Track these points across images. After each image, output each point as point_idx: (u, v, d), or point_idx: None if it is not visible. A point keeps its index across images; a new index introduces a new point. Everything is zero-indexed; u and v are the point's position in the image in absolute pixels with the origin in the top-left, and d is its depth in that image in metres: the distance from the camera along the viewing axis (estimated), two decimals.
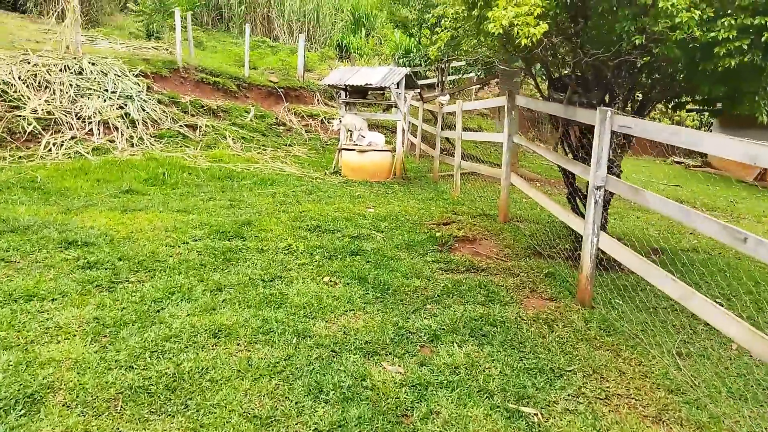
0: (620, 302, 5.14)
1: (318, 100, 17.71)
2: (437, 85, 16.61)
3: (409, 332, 4.32)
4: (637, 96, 6.02)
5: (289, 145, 14.51)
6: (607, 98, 5.85)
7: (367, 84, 10.98)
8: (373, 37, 25.03)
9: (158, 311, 4.47)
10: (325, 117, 16.58)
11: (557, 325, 4.62)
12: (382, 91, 12.05)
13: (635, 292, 5.36)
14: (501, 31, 4.66)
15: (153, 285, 4.97)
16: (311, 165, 12.75)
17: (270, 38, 25.71)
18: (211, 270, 5.46)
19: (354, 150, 11.30)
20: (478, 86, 17.12)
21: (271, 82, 17.16)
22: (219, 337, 4.06)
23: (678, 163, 20.29)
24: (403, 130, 11.73)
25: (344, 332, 4.25)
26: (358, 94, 11.91)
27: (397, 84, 11.01)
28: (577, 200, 6.41)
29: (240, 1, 25.99)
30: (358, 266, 5.73)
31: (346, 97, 12.04)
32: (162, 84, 14.34)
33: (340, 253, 6.15)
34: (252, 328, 4.22)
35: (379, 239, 6.81)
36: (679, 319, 4.93)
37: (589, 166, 4.99)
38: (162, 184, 9.34)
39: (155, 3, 18.54)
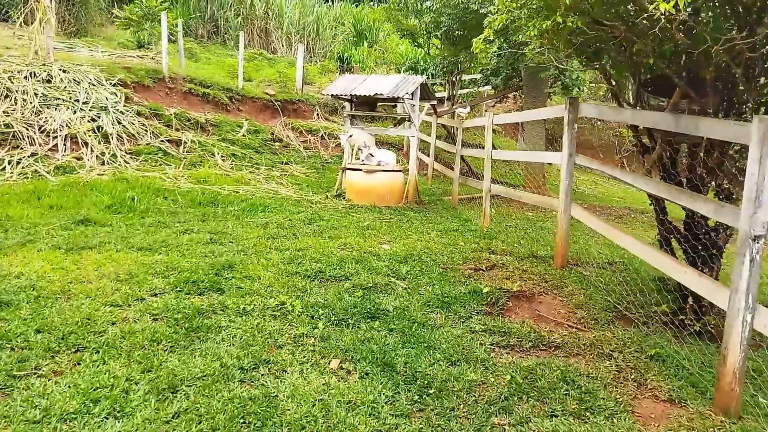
0: None
1: (318, 114, 16.04)
2: (448, 99, 14.93)
3: None
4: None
5: (286, 163, 12.79)
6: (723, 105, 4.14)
7: (377, 94, 9.29)
8: (376, 50, 23.45)
9: None
10: (325, 132, 14.89)
11: None
12: (393, 103, 10.37)
13: None
14: None
15: (71, 383, 3.18)
16: (310, 186, 11.02)
17: (268, 51, 24.13)
18: (166, 350, 3.67)
19: (360, 170, 9.57)
20: (497, 99, 15.46)
21: (267, 94, 15.49)
22: None
23: None
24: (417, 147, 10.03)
25: None
26: (366, 106, 10.23)
27: (411, 94, 9.31)
28: (672, 242, 4.66)
29: (237, 13, 24.43)
30: (378, 340, 3.95)
31: (351, 109, 10.34)
32: (144, 95, 12.62)
33: (352, 317, 4.38)
34: None
35: (401, 291, 5.04)
36: None
37: (720, 201, 3.25)
38: (129, 211, 7.57)
39: (143, 10, 16.90)
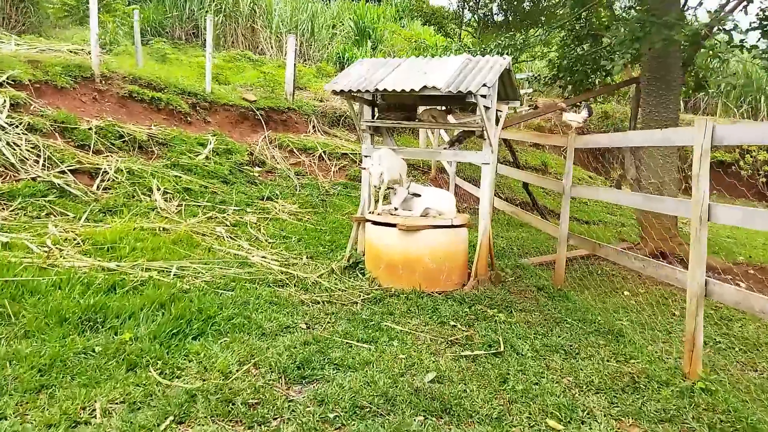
0: None
1: (314, 126, 11.48)
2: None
3: None
4: None
5: (268, 199, 8.23)
6: None
7: (424, 88, 4.75)
8: (381, 51, 18.92)
9: None
10: (324, 151, 10.34)
11: None
12: (445, 105, 5.84)
13: None
14: None
15: None
16: (305, 243, 6.47)
17: (255, 53, 19.59)
18: None
19: (393, 225, 5.02)
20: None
21: (246, 100, 10.93)
22: None
23: None
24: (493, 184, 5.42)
25: None
26: (400, 110, 5.66)
27: (490, 87, 4.75)
28: None
29: (218, 10, 19.86)
30: None
31: (374, 116, 5.79)
32: (53, 99, 8.04)
33: None
34: None
35: None
36: None
37: None
38: None
39: None
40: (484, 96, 4.91)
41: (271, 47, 20.49)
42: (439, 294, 4.94)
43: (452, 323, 4.26)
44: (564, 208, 5.29)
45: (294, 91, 11.90)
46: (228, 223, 6.82)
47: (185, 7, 20.50)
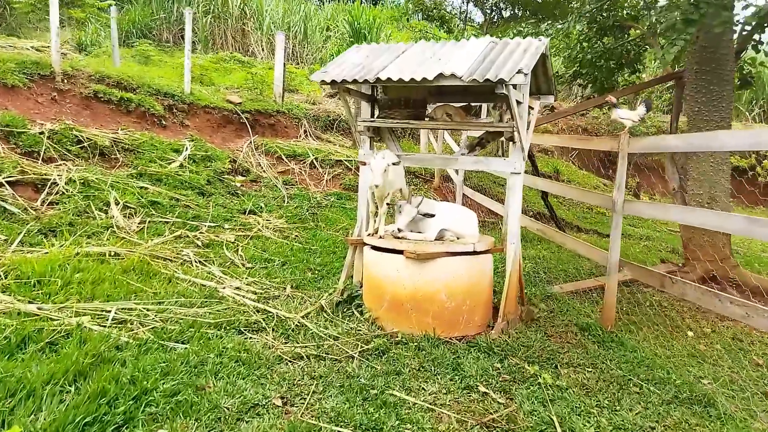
0: None
1: (306, 131, 10.33)
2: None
3: None
4: None
5: (251, 212, 7.07)
6: None
7: (440, 77, 3.61)
8: None
9: None
10: (316, 158, 9.18)
11: None
12: (461, 101, 4.70)
13: None
14: None
15: None
16: (291, 267, 5.32)
17: (245, 55, 18.45)
18: None
19: (401, 251, 3.87)
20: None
21: (230, 102, 9.77)
22: None
23: None
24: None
25: None
26: (404, 108, 4.51)
27: (524, 75, 3.61)
28: None
29: (206, 11, 18.73)
30: None
31: (373, 113, 4.64)
32: (4, 99, 6.88)
33: None
34: None
35: None
36: None
37: None
38: None
39: None
40: (515, 87, 3.77)
41: (262, 49, 19.38)
42: (460, 340, 3.79)
43: (482, 389, 3.10)
44: (615, 230, 4.14)
45: (284, 93, 10.76)
46: (199, 244, 5.65)
47: (173, 8, 19.33)
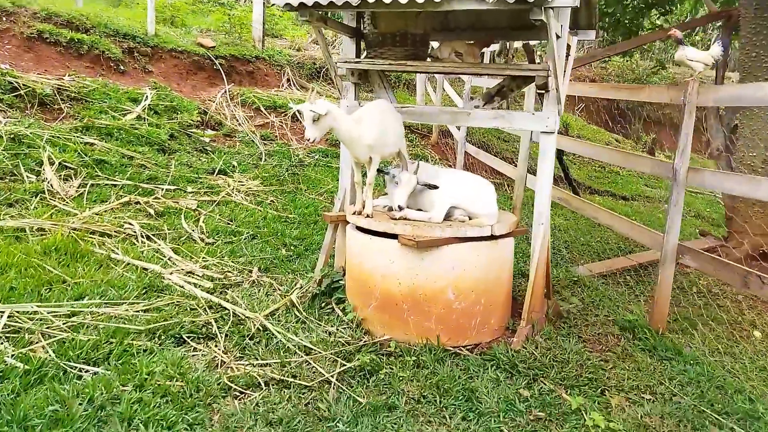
0: None
1: (289, 80, 9.13)
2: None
3: None
4: None
5: (222, 172, 6.03)
6: None
7: None
8: None
9: None
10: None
11: None
12: (473, 35, 3.59)
13: None
14: None
15: None
16: (261, 242, 4.34)
17: None
18: None
19: (395, 236, 2.89)
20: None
21: (202, 46, 8.53)
22: None
23: None
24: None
25: None
26: (400, 46, 3.43)
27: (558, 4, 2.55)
28: None
29: None
30: None
31: (359, 53, 3.56)
32: None
33: None
34: None
35: None
36: None
37: None
38: None
39: None
40: (553, 11, 2.70)
41: None
42: (471, 351, 2.86)
43: None
44: (674, 206, 3.14)
45: (264, 37, 9.50)
46: (152, 212, 4.64)
47: None
